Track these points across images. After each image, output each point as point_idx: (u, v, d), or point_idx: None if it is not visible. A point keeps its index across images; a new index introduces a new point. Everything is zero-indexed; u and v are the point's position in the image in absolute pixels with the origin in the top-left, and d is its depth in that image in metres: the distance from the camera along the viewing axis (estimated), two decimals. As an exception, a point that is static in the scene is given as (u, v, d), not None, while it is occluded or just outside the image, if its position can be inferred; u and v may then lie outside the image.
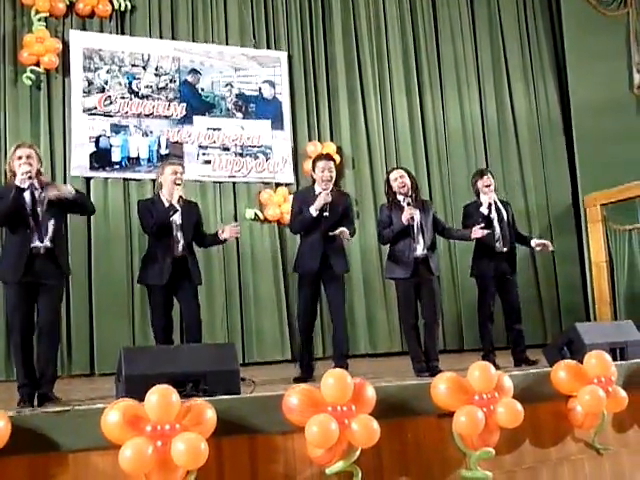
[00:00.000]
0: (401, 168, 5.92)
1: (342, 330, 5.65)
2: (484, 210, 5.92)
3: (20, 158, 4.53)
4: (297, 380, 5.36)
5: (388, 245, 5.75)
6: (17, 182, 4.43)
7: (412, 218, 5.46)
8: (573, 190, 9.69)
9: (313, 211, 5.49)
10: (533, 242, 6.17)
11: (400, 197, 5.61)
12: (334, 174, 5.70)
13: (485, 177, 6.08)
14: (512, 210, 6.30)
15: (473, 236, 5.67)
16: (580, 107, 9.65)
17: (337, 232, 5.43)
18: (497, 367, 5.10)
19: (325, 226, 5.53)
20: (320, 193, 5.54)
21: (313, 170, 5.73)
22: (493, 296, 6.02)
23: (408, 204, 5.48)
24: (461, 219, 6.21)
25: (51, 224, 4.56)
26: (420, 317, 5.59)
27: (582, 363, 4.56)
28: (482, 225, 5.69)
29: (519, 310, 6.11)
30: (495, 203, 6.03)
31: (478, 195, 6.10)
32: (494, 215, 5.99)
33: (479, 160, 9.40)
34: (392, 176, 5.70)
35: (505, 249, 6.00)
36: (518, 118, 9.78)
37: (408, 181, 5.63)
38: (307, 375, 5.48)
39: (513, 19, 10.00)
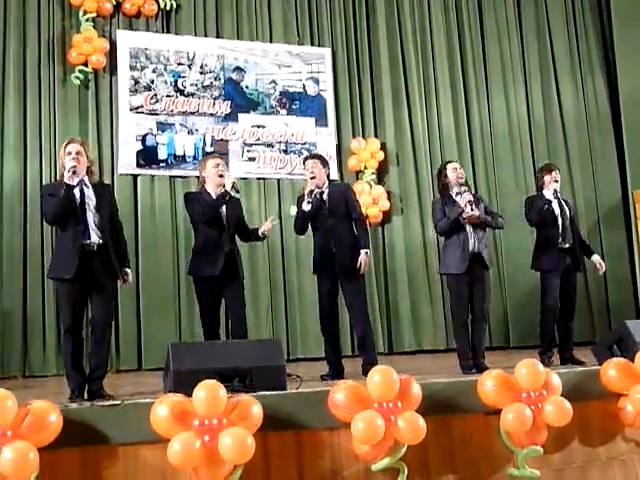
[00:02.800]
0: (456, 162, 5.89)
1: (363, 326, 5.51)
2: (549, 195, 5.86)
3: (70, 154, 4.54)
4: (324, 377, 5.36)
5: (444, 239, 5.70)
6: (65, 179, 4.47)
7: (470, 203, 5.40)
8: (622, 186, 9.50)
9: (305, 206, 5.44)
10: (595, 258, 6.07)
11: (452, 191, 5.56)
12: (318, 170, 5.58)
13: (554, 172, 5.98)
14: (573, 209, 6.20)
15: (463, 209, 5.46)
16: (629, 102, 9.43)
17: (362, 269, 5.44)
18: (546, 364, 5.05)
19: (329, 222, 5.48)
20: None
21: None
22: (558, 293, 5.85)
23: (464, 191, 5.44)
24: (524, 211, 6.09)
25: (100, 222, 4.58)
26: (469, 313, 5.53)
27: (633, 361, 4.46)
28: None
29: (574, 308, 6.00)
30: (559, 198, 5.94)
31: (541, 189, 6.01)
32: (557, 210, 5.90)
33: (525, 157, 9.29)
34: (450, 166, 5.66)
35: (567, 245, 5.90)
36: (566, 115, 9.61)
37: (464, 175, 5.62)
38: (334, 373, 5.41)
39: (561, 15, 9.81)
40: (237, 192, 5.32)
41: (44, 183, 7.25)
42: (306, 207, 5.42)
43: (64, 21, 7.90)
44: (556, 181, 5.93)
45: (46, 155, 7.50)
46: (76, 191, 4.52)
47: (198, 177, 6.72)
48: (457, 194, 5.54)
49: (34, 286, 7.24)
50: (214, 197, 5.29)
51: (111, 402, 3.81)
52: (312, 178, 5.55)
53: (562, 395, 4.12)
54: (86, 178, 4.61)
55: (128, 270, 4.81)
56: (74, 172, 4.46)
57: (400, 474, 3.81)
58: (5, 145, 7.45)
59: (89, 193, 4.59)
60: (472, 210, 5.42)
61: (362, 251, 5.47)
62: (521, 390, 4.03)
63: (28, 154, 7.50)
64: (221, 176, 5.33)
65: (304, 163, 5.78)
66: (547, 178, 5.98)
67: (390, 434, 3.69)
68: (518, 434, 4.01)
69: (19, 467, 3.14)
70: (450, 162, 5.83)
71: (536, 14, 9.75)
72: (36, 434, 3.27)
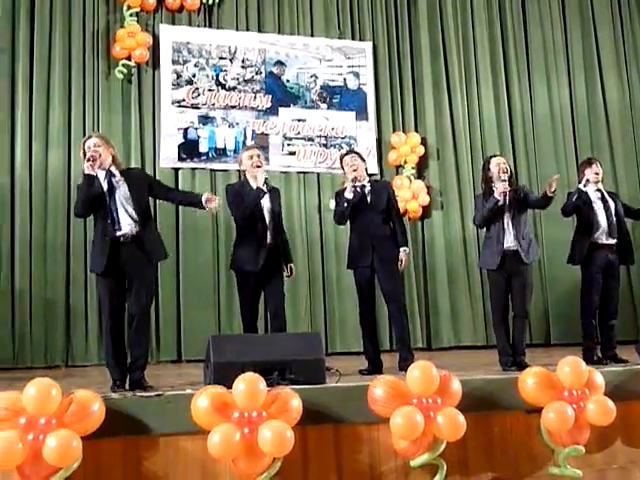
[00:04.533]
0: (501, 156, 5.81)
1: (401, 320, 5.54)
2: (582, 187, 5.72)
3: (89, 148, 4.54)
4: (363, 372, 5.37)
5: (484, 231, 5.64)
6: (85, 171, 4.45)
7: (505, 194, 5.32)
8: (668, 180, 9.31)
9: (348, 193, 5.44)
10: None
11: (494, 185, 5.47)
12: (358, 163, 5.62)
13: (594, 166, 5.85)
14: (620, 201, 6.03)
15: (550, 189, 5.30)
16: (676, 94, 9.25)
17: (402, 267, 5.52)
18: (589, 362, 4.97)
19: (369, 215, 5.51)
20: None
21: (342, 168, 5.77)
22: (599, 289, 5.70)
23: (502, 180, 5.35)
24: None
25: (134, 211, 4.55)
26: (510, 309, 5.46)
27: (678, 361, 4.38)
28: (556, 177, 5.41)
29: (617, 305, 5.87)
30: (601, 192, 5.82)
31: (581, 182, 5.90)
32: (599, 204, 5.76)
33: (568, 150, 9.15)
34: (494, 161, 5.55)
35: (611, 241, 5.77)
36: (609, 106, 9.42)
37: (508, 169, 5.52)
38: (373, 368, 5.42)
39: (605, 4, 9.63)
40: (269, 189, 5.35)
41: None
42: (349, 195, 5.44)
43: (108, 16, 8.00)
44: (596, 174, 5.81)
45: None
46: (104, 184, 4.52)
47: (239, 170, 6.82)
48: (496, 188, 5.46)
49: (77, 277, 7.36)
50: (255, 188, 5.30)
51: (152, 393, 3.85)
52: (354, 170, 5.55)
53: (605, 394, 4.06)
54: (113, 168, 4.60)
55: None
56: (89, 161, 4.43)
57: (439, 470, 3.79)
58: (50, 138, 7.58)
59: (118, 182, 4.57)
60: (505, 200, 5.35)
61: (402, 249, 5.52)
62: (563, 388, 3.98)
63: (72, 147, 7.60)
64: (258, 167, 5.34)
65: (342, 159, 5.79)
66: (587, 172, 5.86)
67: (429, 430, 3.67)
68: (559, 433, 3.96)
69: (63, 455, 3.20)
70: (494, 156, 5.73)
71: (580, 3, 9.58)
72: (79, 423, 3.32)
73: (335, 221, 5.79)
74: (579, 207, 5.76)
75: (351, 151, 5.99)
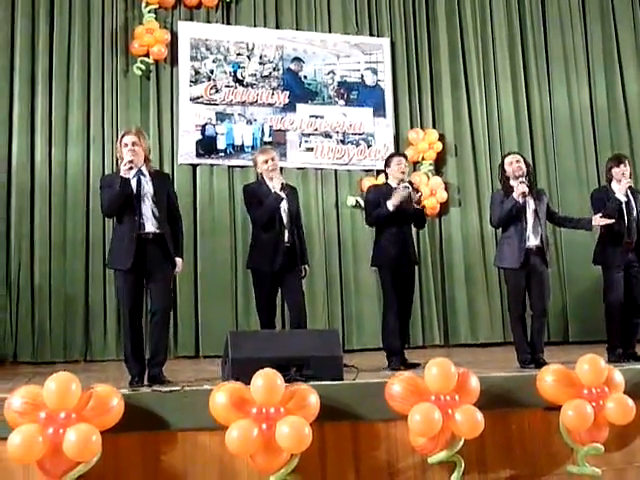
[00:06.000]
0: (517, 153, 5.75)
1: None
2: (621, 197, 5.60)
3: (126, 145, 4.58)
4: (386, 369, 5.38)
5: (500, 230, 5.61)
6: (121, 173, 4.50)
7: (524, 195, 5.28)
8: (689, 179, 9.20)
9: (390, 206, 5.50)
10: None
11: (513, 183, 5.43)
12: (408, 169, 5.84)
13: (622, 165, 5.74)
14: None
15: (595, 224, 5.42)
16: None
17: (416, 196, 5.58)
18: (615, 361, 4.94)
19: (402, 219, 5.61)
20: (396, 188, 5.60)
21: (388, 166, 5.82)
22: (622, 288, 5.58)
23: (521, 182, 5.30)
24: (590, 206, 5.84)
25: (158, 211, 4.61)
26: (528, 308, 5.43)
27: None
28: (602, 214, 5.44)
29: (638, 304, 5.80)
30: (628, 193, 5.73)
31: (610, 182, 5.79)
32: (623, 205, 5.70)
33: (588, 149, 9.06)
34: (507, 160, 5.51)
35: (630, 240, 5.70)
36: (630, 106, 9.30)
37: (524, 166, 5.46)
38: (396, 365, 5.42)
39: (626, 3, 9.51)
40: (287, 192, 5.37)
41: (106, 173, 7.40)
42: (391, 207, 5.51)
43: (127, 12, 8.02)
44: (624, 174, 5.70)
45: (108, 145, 7.62)
46: (133, 182, 4.57)
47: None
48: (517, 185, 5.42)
49: (96, 273, 7.40)
50: (271, 189, 5.30)
51: (171, 388, 3.87)
52: (403, 174, 5.71)
53: (625, 392, 4.03)
54: (144, 167, 4.65)
55: (179, 260, 4.82)
56: (131, 167, 4.51)
57: (457, 468, 3.79)
58: (69, 135, 7.61)
59: (147, 183, 4.64)
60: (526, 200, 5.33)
61: None
62: (582, 386, 3.96)
63: (91, 144, 7.65)
64: (271, 178, 5.36)
65: (391, 158, 5.85)
66: (615, 170, 5.75)
67: (447, 427, 3.67)
68: (578, 431, 3.94)
69: (82, 449, 3.23)
70: (510, 154, 5.67)
71: (600, 2, 9.48)
72: (99, 417, 3.35)
73: (369, 222, 5.85)
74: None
75: (404, 154, 6.11)
